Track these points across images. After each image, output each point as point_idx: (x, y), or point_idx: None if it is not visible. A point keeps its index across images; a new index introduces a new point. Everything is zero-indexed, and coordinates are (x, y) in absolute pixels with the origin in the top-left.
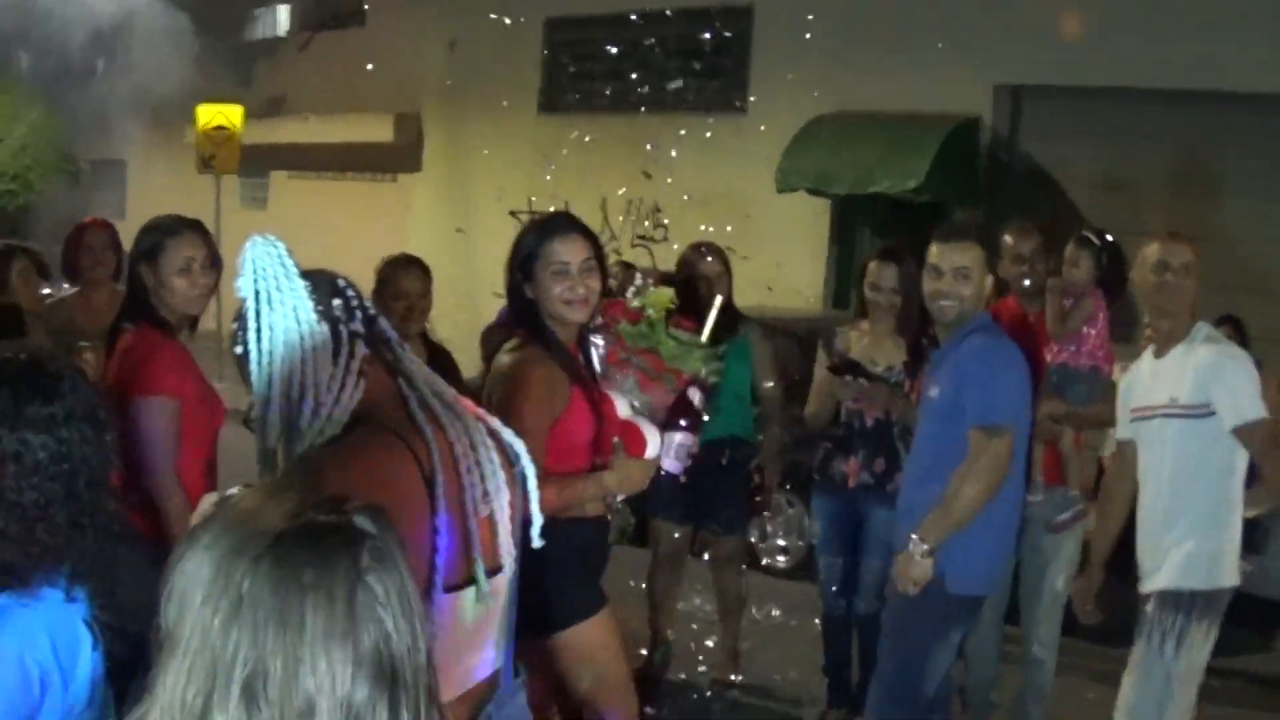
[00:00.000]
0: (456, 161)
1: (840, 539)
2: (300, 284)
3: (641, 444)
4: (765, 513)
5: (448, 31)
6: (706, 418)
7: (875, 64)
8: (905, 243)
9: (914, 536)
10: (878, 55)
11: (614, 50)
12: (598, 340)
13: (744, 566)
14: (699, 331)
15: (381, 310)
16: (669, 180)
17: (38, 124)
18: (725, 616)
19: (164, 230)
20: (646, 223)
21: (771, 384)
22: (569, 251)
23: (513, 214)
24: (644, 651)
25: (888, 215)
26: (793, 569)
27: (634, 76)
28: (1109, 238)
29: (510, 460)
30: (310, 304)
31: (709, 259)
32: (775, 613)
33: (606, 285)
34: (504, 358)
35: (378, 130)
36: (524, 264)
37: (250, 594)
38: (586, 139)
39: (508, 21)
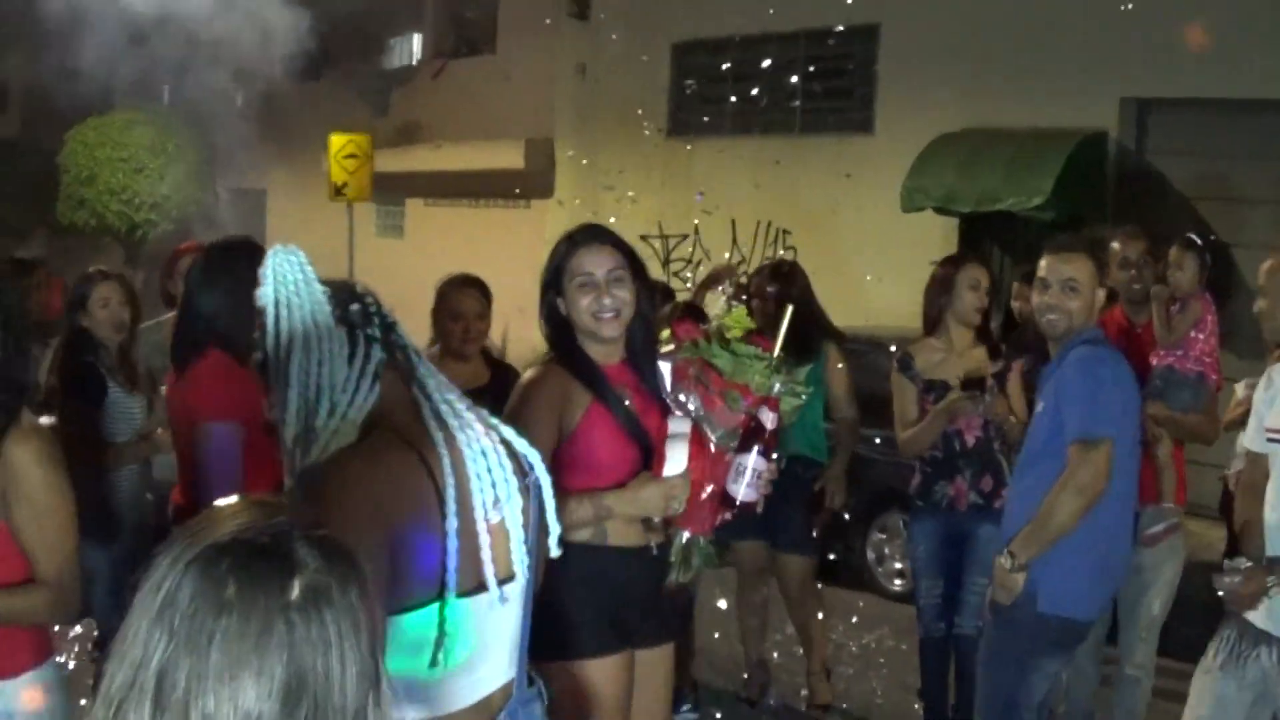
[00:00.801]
0: (588, 186)
1: (942, 560)
2: (319, 290)
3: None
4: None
5: (577, 57)
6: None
7: (1001, 80)
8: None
9: (1007, 551)
10: (1003, 71)
11: (741, 73)
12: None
13: (818, 586)
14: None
15: (439, 330)
16: (797, 202)
17: (177, 153)
18: (804, 639)
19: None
20: (775, 244)
21: (849, 407)
22: (594, 263)
23: (644, 238)
24: (746, 675)
25: (1016, 233)
26: (908, 593)
27: (761, 99)
28: (1212, 238)
29: (524, 469)
30: (329, 309)
31: (782, 277)
32: (886, 636)
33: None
34: (525, 373)
35: (509, 157)
36: (555, 279)
37: (172, 597)
38: (715, 162)
39: (636, 48)
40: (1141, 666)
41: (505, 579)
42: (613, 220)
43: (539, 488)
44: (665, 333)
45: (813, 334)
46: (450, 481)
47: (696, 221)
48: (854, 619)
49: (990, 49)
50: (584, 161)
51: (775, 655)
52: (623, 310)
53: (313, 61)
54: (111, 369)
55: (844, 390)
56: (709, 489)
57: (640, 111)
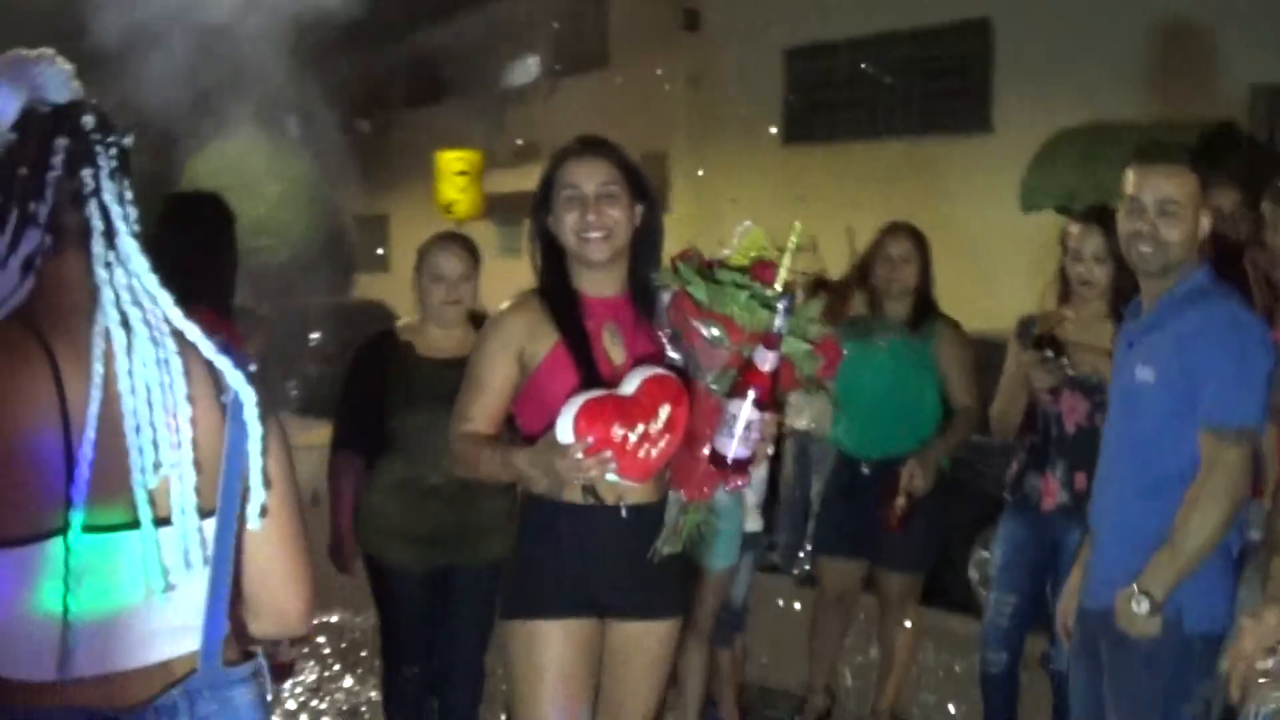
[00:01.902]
0: (704, 199)
1: (1023, 571)
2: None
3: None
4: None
5: (689, 68)
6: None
7: (1121, 71)
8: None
9: (1135, 589)
10: (1124, 61)
11: (853, 76)
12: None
13: (916, 611)
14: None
15: (419, 293)
16: (915, 206)
17: (297, 179)
18: (885, 661)
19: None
20: None
21: (965, 394)
22: (584, 175)
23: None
24: (805, 699)
25: None
26: None
27: (875, 102)
28: None
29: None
30: None
31: (896, 237)
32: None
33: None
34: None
35: None
36: (544, 195)
37: None
38: (831, 168)
39: (747, 56)
40: None
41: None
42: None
43: (238, 407)
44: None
45: (925, 311)
46: (95, 394)
47: (814, 233)
48: (948, 642)
49: (1109, 38)
50: (699, 174)
51: (849, 679)
52: (615, 231)
53: (431, 85)
54: None
55: (961, 375)
56: (707, 446)
57: (754, 120)
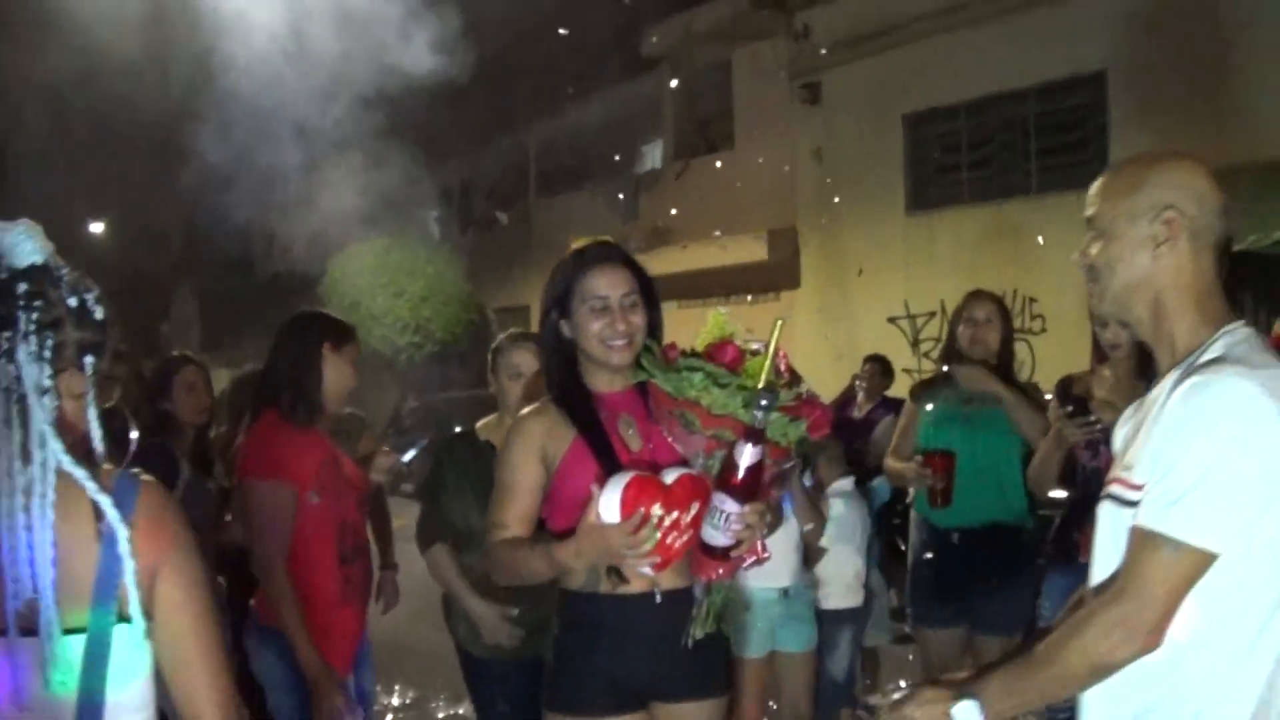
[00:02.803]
0: (832, 272)
1: None
2: None
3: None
4: None
5: (813, 142)
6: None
7: (1235, 112)
8: None
9: None
10: (1237, 103)
11: (973, 139)
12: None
13: None
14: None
15: (498, 389)
16: (1040, 266)
17: (438, 276)
18: None
19: (347, 326)
20: (1023, 313)
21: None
22: (609, 285)
23: (891, 321)
24: None
25: (1270, 273)
26: None
27: (994, 162)
28: None
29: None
30: None
31: (980, 301)
32: None
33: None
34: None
35: (753, 249)
36: (560, 300)
37: None
38: (956, 233)
39: (869, 125)
40: None
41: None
42: (864, 306)
43: (111, 539)
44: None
45: (1005, 377)
46: None
47: (943, 299)
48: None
49: (1221, 81)
50: (826, 246)
51: None
52: (635, 337)
53: (564, 174)
54: (186, 452)
55: (1027, 421)
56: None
57: (878, 189)
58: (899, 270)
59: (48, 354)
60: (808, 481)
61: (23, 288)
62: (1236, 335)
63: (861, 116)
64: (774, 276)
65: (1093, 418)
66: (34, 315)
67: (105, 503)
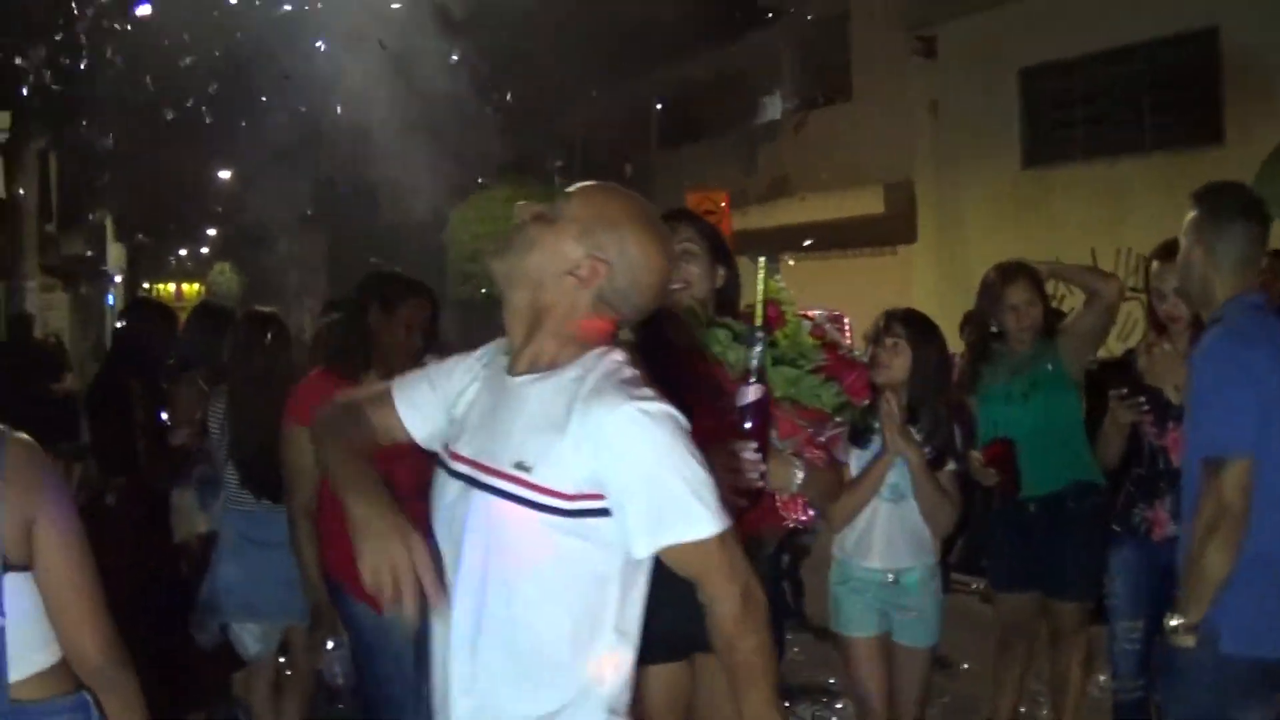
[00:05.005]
0: (949, 227)
1: (1142, 600)
2: None
3: None
4: None
5: (929, 95)
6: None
7: None
8: None
9: (1173, 615)
10: None
11: (1087, 94)
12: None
13: (1088, 638)
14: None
15: None
16: (1153, 224)
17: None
18: (1058, 687)
19: (406, 285)
20: (1136, 272)
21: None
22: (684, 230)
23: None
24: None
25: None
26: None
27: (1108, 119)
28: None
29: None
30: None
31: (1016, 284)
32: None
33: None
34: None
35: (869, 202)
36: None
37: None
38: (1070, 189)
39: (984, 79)
40: None
41: None
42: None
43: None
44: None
45: (1048, 334)
46: None
47: (1057, 256)
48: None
49: None
50: (943, 202)
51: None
52: (692, 284)
53: (685, 125)
54: None
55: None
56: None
57: (993, 144)
58: (1012, 225)
59: None
60: (952, 466)
61: None
62: None
63: (976, 70)
64: (891, 230)
65: (1141, 398)
66: None
67: None
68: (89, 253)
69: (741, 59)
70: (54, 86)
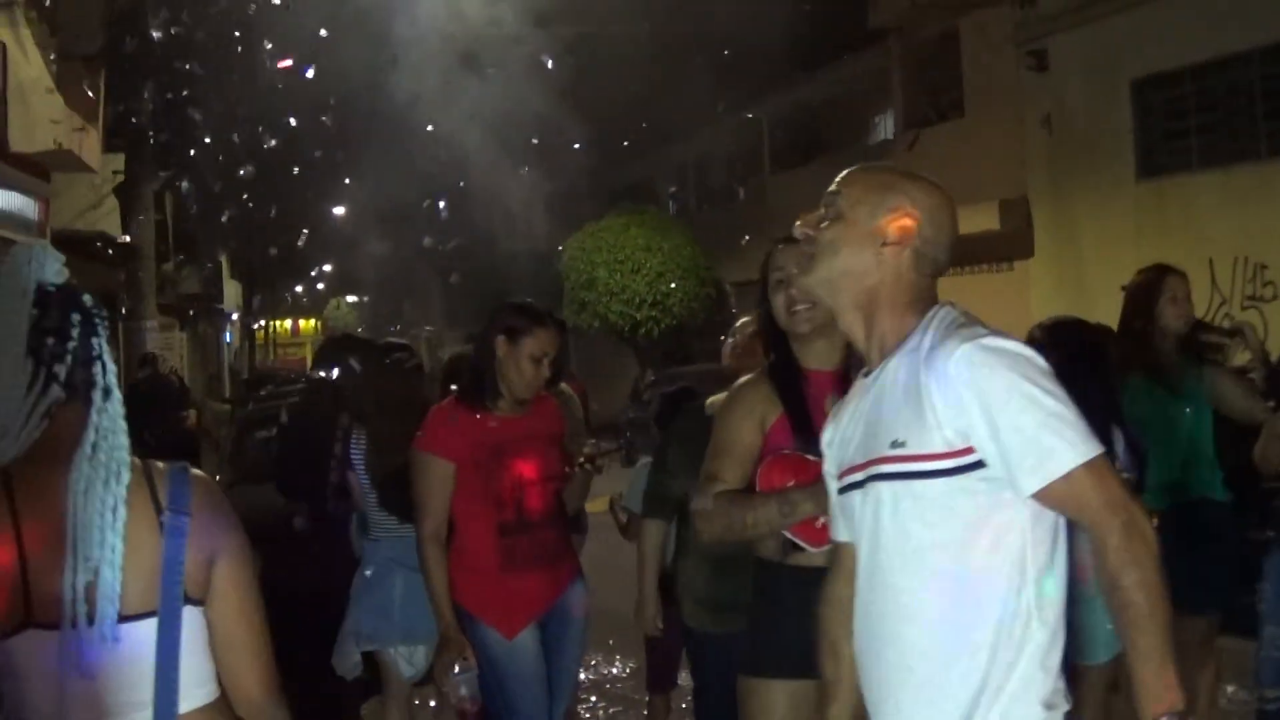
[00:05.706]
0: (1065, 240)
1: None
2: (26, 314)
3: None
4: None
5: (1041, 109)
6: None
7: None
8: None
9: None
10: None
11: (1201, 103)
12: None
13: (1215, 653)
14: None
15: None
16: (1271, 232)
17: (675, 250)
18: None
19: (533, 318)
20: (1254, 280)
21: (1255, 405)
22: (789, 259)
23: (1124, 289)
24: None
25: None
26: None
27: (1222, 127)
28: None
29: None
30: (24, 331)
31: (1178, 277)
32: None
33: None
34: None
35: (984, 219)
36: (763, 282)
37: None
38: (1185, 199)
39: (1096, 91)
40: None
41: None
42: (1097, 274)
43: (176, 531)
44: None
45: (1195, 352)
46: (31, 509)
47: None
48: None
49: None
50: (1059, 216)
51: None
52: (817, 305)
53: (798, 147)
54: None
55: (1242, 397)
56: None
57: (1107, 156)
58: (1128, 237)
59: (106, 357)
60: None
61: (89, 299)
62: None
63: (1089, 83)
64: (1007, 246)
65: None
66: (105, 323)
67: (167, 495)
68: (205, 291)
69: (852, 80)
70: (165, 134)
